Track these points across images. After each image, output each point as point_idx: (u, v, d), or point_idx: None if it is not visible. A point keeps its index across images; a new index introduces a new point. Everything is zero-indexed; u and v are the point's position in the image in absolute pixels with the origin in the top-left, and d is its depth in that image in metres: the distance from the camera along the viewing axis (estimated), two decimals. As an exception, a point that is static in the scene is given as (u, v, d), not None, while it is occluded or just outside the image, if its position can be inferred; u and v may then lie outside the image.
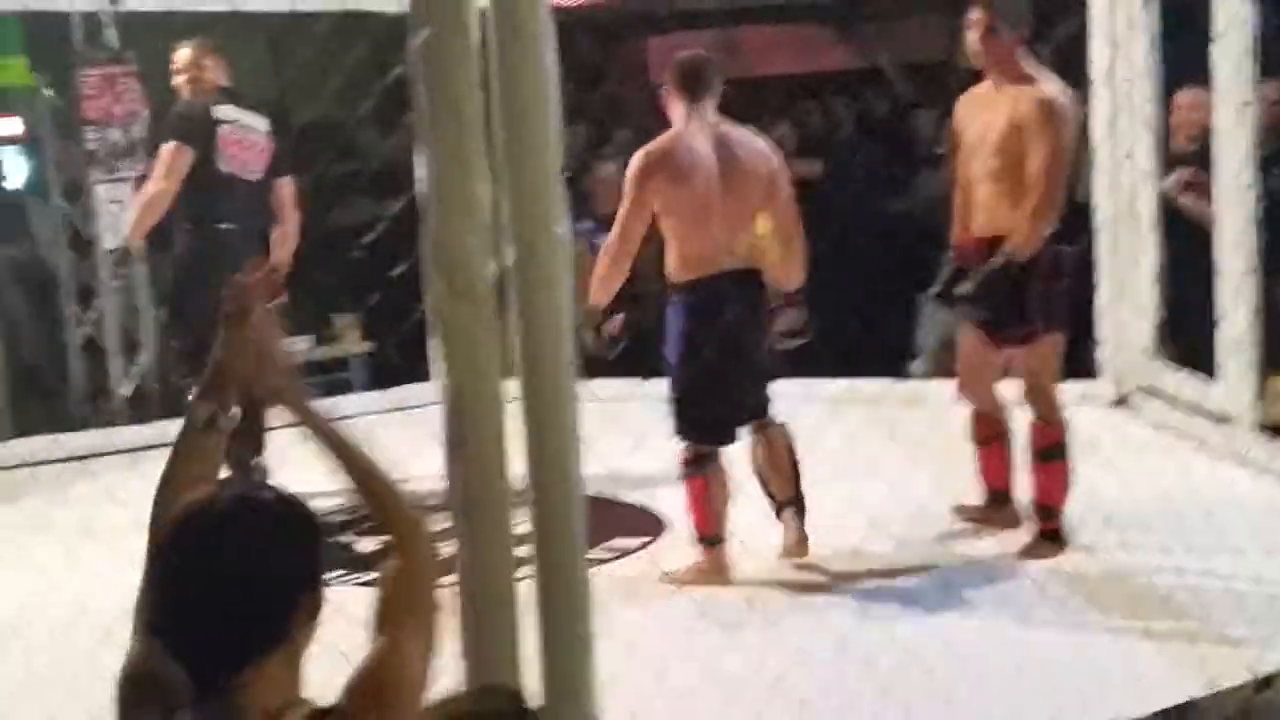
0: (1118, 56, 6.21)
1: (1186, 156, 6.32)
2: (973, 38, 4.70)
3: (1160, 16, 6.14)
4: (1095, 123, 6.37)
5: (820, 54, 10.82)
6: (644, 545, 5.15)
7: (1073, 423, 4.84)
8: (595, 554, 5.05)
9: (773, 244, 4.69)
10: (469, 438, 2.53)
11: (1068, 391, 6.45)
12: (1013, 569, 4.59)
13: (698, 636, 3.90)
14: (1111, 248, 6.35)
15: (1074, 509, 4.73)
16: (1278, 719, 3.67)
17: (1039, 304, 4.65)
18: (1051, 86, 4.66)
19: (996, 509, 5.02)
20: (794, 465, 4.78)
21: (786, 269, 4.75)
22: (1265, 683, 3.70)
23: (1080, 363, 6.97)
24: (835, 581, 4.60)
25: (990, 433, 5.03)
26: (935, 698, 3.58)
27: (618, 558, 5.03)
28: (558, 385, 2.59)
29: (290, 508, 1.95)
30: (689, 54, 4.80)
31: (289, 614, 1.88)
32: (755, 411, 4.76)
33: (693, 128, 4.64)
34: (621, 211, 4.62)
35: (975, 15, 4.68)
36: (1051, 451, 4.78)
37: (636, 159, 4.63)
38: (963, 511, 5.08)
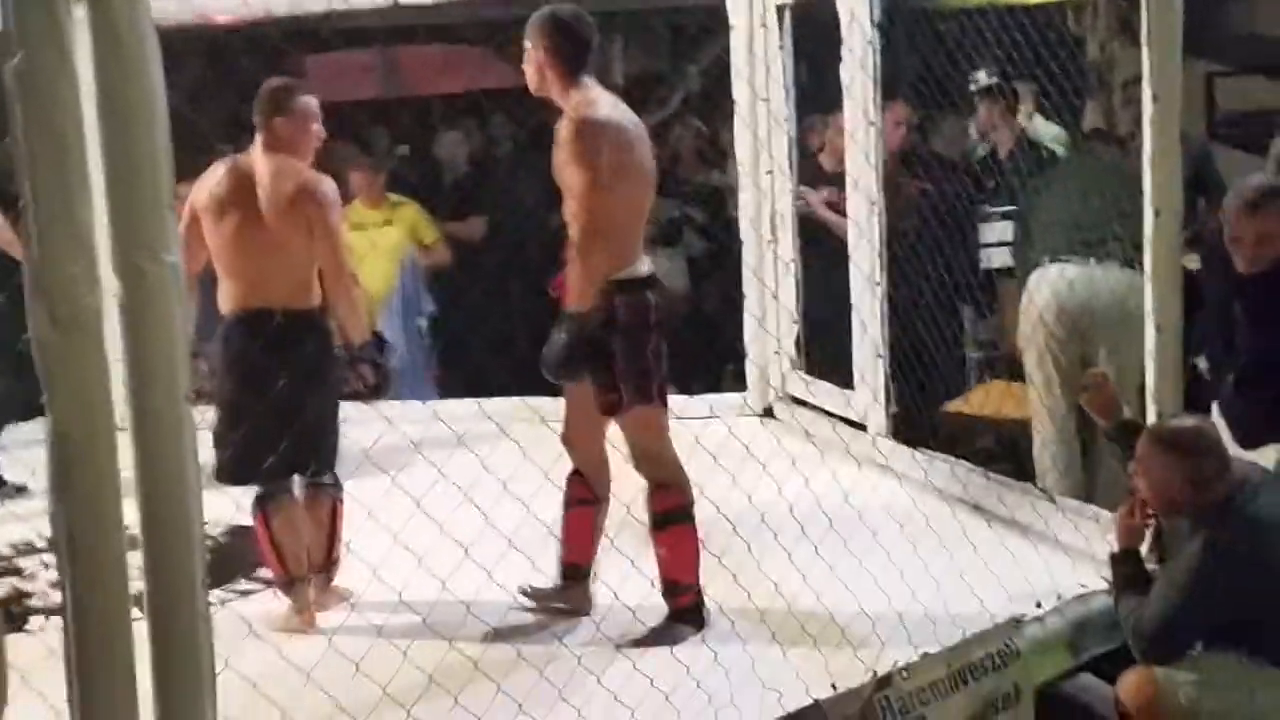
0: (758, 82, 6.40)
1: (832, 177, 6.56)
2: (528, 70, 4.29)
3: (810, 44, 6.38)
4: (739, 145, 6.58)
5: (481, 73, 10.84)
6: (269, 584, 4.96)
7: (729, 431, 4.81)
8: (240, 587, 4.94)
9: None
10: (77, 478, 2.41)
11: (723, 403, 6.67)
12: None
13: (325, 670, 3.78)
14: (756, 265, 6.54)
15: (709, 514, 4.60)
16: (893, 716, 3.82)
17: (625, 368, 4.19)
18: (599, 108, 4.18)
19: (571, 586, 4.53)
20: (332, 534, 4.60)
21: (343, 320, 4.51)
22: (883, 681, 3.83)
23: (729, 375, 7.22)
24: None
25: (580, 495, 4.52)
26: None
27: (264, 589, 4.87)
28: (172, 418, 2.49)
29: None
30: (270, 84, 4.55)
31: None
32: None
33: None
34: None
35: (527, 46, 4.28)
36: (670, 516, 4.31)
37: None
38: (532, 594, 4.55)
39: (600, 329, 4.14)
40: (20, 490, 5.99)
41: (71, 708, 2.42)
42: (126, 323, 2.46)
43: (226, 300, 4.48)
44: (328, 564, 4.63)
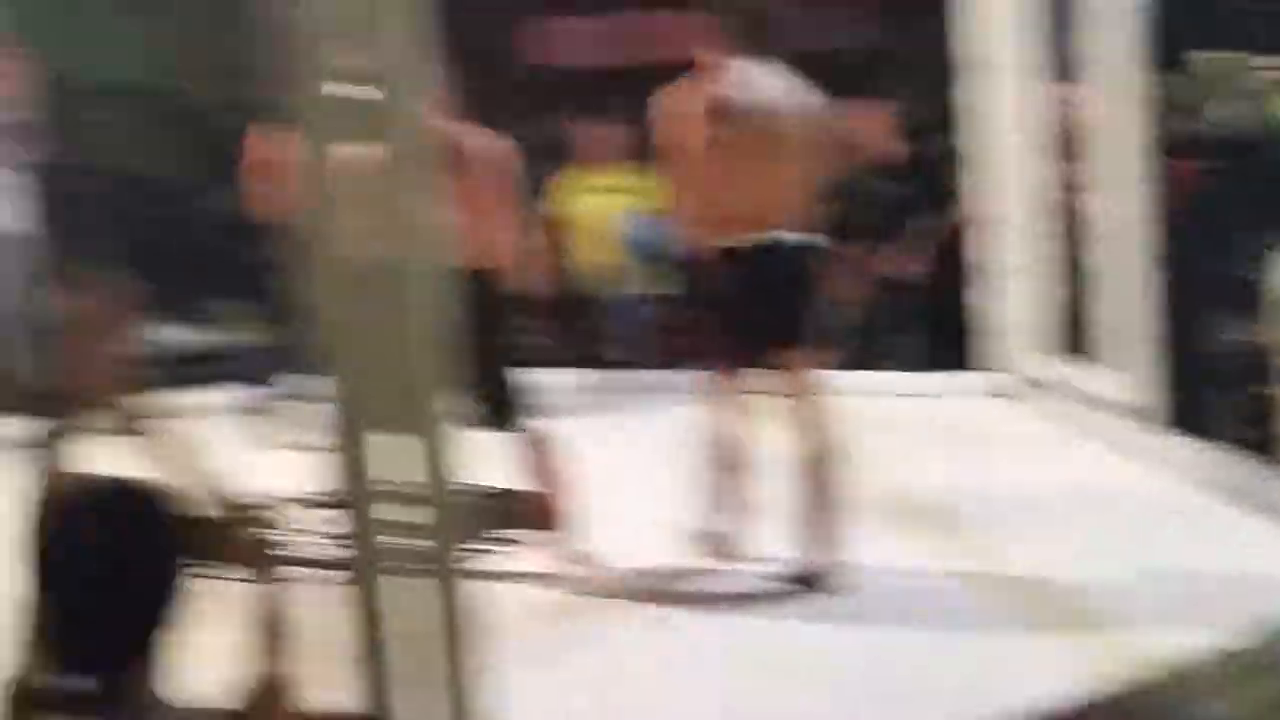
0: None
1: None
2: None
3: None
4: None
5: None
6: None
7: (970, 411, 4.74)
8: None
9: None
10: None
11: (963, 382, 6.50)
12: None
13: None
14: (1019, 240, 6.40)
15: (969, 494, 4.62)
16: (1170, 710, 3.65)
17: None
18: None
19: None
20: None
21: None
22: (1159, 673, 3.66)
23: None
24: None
25: None
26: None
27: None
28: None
29: (160, 496, 1.88)
30: None
31: (158, 605, 1.82)
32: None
33: None
34: None
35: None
36: None
37: None
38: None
39: None
40: None
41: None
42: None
43: None
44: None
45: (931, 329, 7.60)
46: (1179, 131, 6.41)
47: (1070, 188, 6.35)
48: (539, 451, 4.54)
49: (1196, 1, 6.08)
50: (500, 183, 4.46)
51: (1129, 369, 5.75)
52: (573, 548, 4.53)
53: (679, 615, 4.07)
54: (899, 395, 6.30)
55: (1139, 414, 5.70)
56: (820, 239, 4.56)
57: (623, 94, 9.96)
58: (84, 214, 8.82)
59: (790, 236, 4.50)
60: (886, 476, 4.80)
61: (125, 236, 8.03)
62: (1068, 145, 6.50)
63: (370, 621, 2.44)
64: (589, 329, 7.47)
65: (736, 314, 4.46)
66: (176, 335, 7.98)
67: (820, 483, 4.39)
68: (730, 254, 4.46)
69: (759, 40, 4.49)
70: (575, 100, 9.39)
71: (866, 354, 7.21)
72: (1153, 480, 5.22)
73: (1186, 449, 5.41)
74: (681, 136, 4.46)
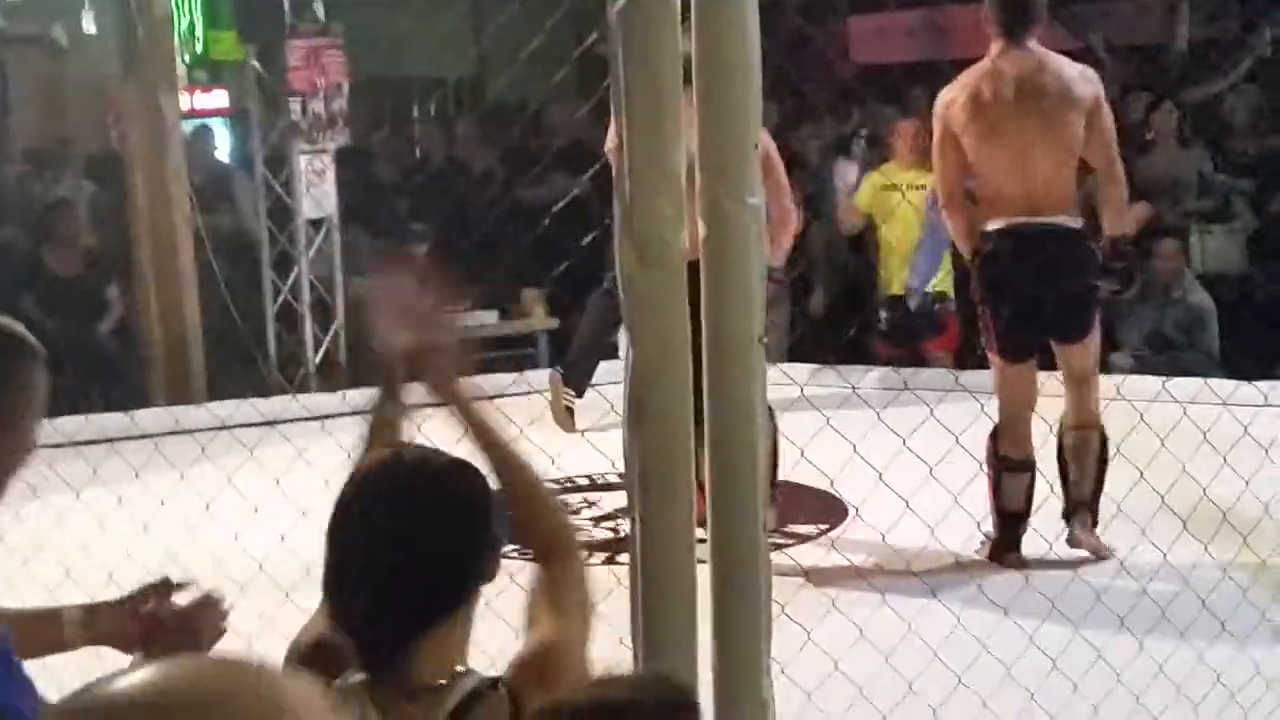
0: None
1: None
2: None
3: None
4: None
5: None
6: (823, 532, 5.07)
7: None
8: (773, 539, 5.03)
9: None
10: (654, 410, 2.49)
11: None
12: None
13: (875, 628, 3.80)
14: None
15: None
16: None
17: None
18: None
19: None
20: None
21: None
22: None
23: None
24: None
25: None
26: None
27: (797, 543, 4.96)
28: (745, 360, 2.54)
29: (465, 472, 1.89)
30: None
31: (464, 581, 1.84)
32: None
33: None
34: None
35: None
36: None
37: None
38: None
39: None
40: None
41: (635, 638, 2.50)
42: (708, 261, 2.51)
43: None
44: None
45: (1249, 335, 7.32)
46: None
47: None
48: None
49: None
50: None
51: None
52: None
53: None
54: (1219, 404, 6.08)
55: None
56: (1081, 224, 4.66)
57: (929, 89, 9.90)
58: (399, 199, 9.22)
59: (1065, 222, 4.57)
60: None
61: (439, 222, 8.35)
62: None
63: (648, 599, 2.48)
64: (890, 323, 7.43)
65: (1016, 302, 4.55)
66: (483, 319, 8.24)
67: (1083, 465, 4.63)
68: (1005, 240, 4.55)
69: (1028, 27, 4.62)
70: (882, 96, 9.35)
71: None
72: None
73: None
74: (949, 128, 4.63)
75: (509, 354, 8.05)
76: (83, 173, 9.24)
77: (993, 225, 4.61)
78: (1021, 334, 4.61)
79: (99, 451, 5.35)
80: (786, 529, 5.04)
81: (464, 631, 1.85)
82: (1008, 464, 4.69)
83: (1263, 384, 6.50)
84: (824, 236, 8.19)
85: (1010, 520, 4.71)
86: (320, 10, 8.02)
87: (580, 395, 6.67)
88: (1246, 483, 4.59)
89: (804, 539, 5.03)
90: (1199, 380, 6.00)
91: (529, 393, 6.56)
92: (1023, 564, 4.63)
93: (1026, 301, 4.53)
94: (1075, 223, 4.66)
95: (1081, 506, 4.71)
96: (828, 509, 5.25)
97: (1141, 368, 6.98)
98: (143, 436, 6.31)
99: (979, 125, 4.57)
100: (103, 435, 6.28)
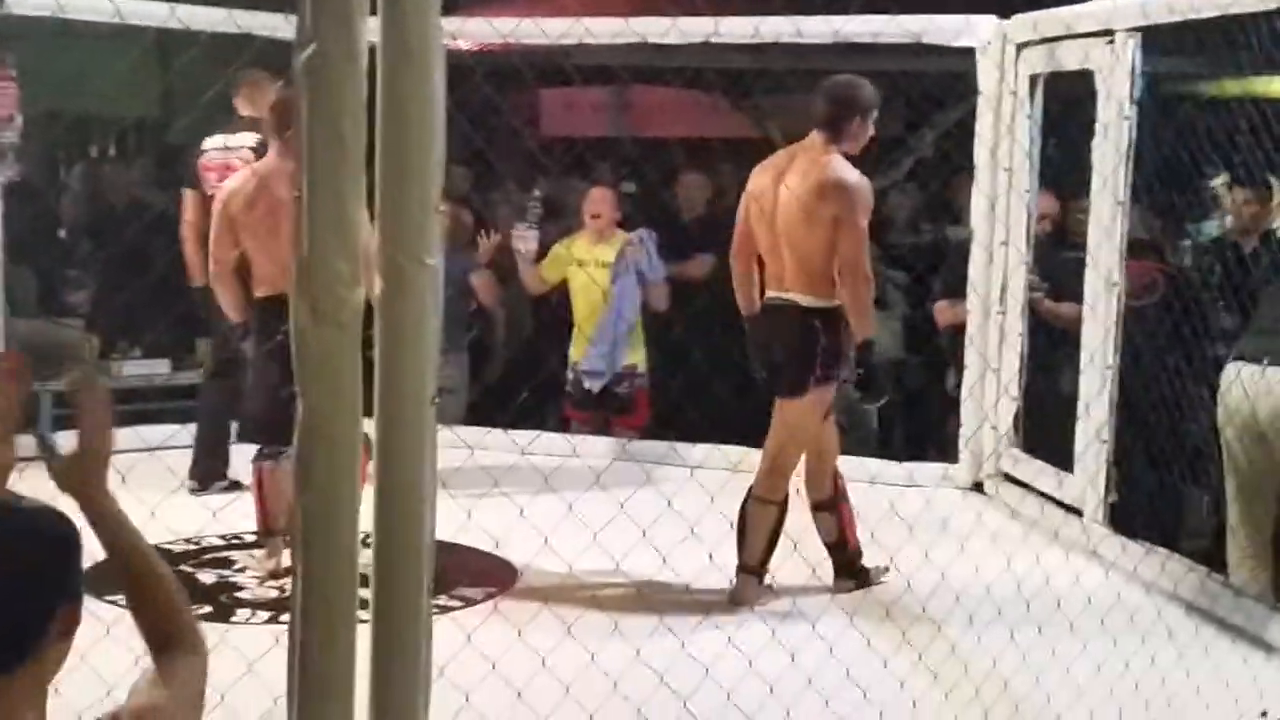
0: (999, 145, 6.31)
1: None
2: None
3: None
4: (974, 213, 6.49)
5: (711, 119, 10.89)
6: (489, 596, 5.07)
7: (931, 503, 4.89)
8: (438, 601, 5.00)
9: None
10: (321, 470, 2.46)
11: (926, 472, 6.57)
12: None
13: (533, 693, 3.81)
14: (978, 336, 6.43)
15: (925, 587, 4.75)
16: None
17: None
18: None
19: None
20: None
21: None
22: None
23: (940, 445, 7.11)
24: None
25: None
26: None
27: (462, 607, 4.94)
28: (417, 421, 2.53)
29: (46, 518, 1.79)
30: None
31: (39, 630, 1.73)
32: None
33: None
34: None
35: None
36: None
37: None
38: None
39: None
40: (235, 486, 6.14)
41: (290, 696, 2.44)
42: (383, 321, 2.50)
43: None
44: None
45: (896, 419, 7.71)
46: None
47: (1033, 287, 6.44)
48: None
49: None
50: None
51: (1085, 467, 5.81)
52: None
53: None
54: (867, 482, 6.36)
55: (1092, 513, 5.75)
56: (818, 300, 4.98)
57: (613, 160, 10.11)
58: (73, 238, 8.82)
59: (796, 298, 4.98)
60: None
61: (113, 263, 8.03)
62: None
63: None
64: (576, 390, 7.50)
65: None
66: (155, 368, 7.98)
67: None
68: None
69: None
70: (573, 166, 9.52)
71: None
72: (1097, 579, 5.28)
73: (1135, 549, 5.47)
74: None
75: (181, 405, 7.78)
76: None
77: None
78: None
79: None
80: (453, 592, 5.02)
81: (41, 685, 1.74)
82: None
83: (910, 465, 6.84)
84: (508, 299, 8.22)
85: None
86: (-8, 41, 7.68)
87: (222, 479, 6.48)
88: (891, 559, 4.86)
89: (470, 602, 5.01)
90: (854, 460, 6.26)
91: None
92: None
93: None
94: (807, 300, 4.99)
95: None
96: (492, 571, 5.27)
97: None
98: None
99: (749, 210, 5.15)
100: None
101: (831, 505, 5.22)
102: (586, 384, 7.27)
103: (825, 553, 5.22)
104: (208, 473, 6.41)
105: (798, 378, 4.97)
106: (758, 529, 5.05)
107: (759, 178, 5.13)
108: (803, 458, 5.18)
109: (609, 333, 7.23)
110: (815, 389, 4.97)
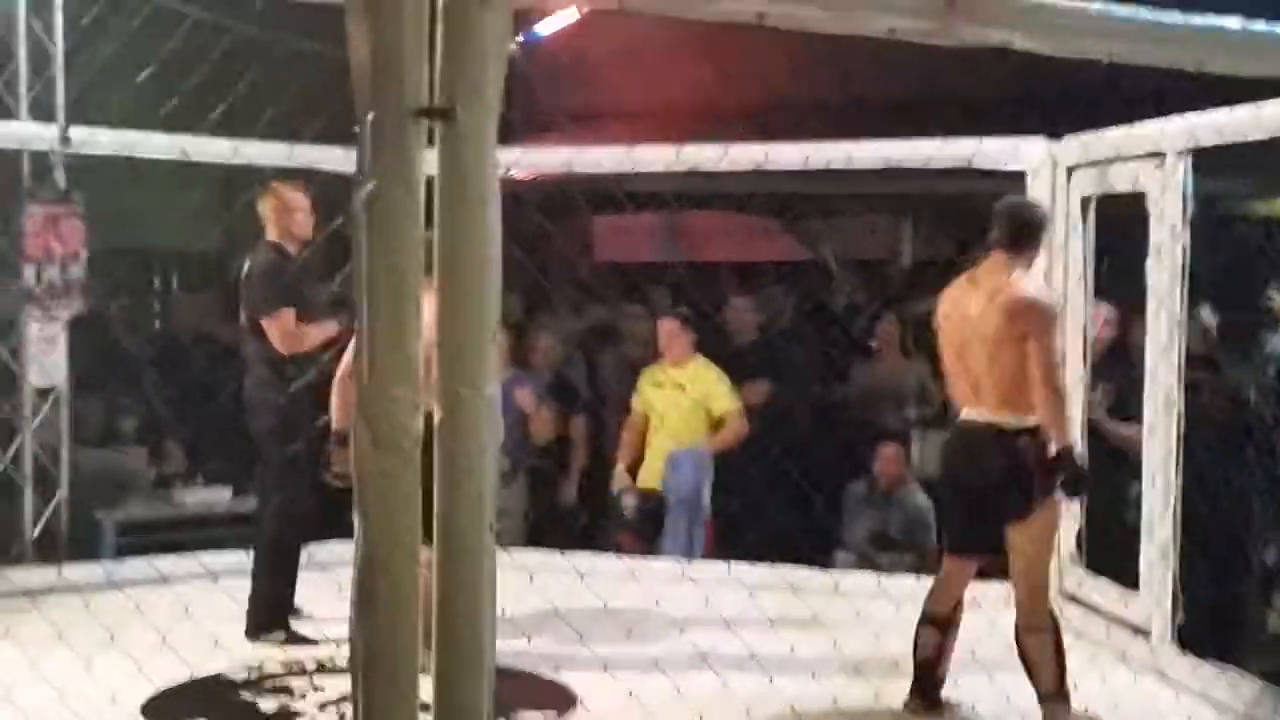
0: (1054, 262, 6.31)
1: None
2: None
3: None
4: None
5: (763, 243, 10.98)
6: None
7: (995, 626, 4.83)
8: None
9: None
10: (382, 596, 2.46)
11: (991, 594, 6.50)
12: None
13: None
14: None
15: (989, 711, 4.68)
16: None
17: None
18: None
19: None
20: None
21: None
22: None
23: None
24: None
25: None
26: None
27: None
28: (475, 548, 2.53)
29: None
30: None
31: None
32: None
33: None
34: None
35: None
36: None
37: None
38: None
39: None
40: (295, 612, 6.12)
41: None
42: (442, 448, 2.52)
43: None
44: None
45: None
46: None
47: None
48: None
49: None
50: None
51: (1151, 587, 5.72)
52: None
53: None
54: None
55: (1160, 633, 5.66)
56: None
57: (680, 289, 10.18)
58: (138, 370, 8.95)
59: (995, 419, 4.96)
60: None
61: (176, 394, 8.10)
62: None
63: None
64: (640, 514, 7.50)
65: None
66: (216, 496, 8.01)
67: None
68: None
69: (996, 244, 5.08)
70: (638, 294, 9.59)
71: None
72: (1166, 705, 5.21)
73: (1205, 670, 5.37)
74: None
75: (243, 532, 7.80)
76: None
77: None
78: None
79: None
80: (513, 717, 4.98)
81: None
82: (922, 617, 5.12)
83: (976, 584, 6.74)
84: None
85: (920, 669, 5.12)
86: (61, 179, 7.86)
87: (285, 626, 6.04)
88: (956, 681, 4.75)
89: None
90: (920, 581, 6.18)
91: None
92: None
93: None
94: (1010, 421, 4.93)
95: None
96: (551, 696, 5.23)
97: (862, 564, 7.20)
98: None
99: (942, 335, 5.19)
100: None
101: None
102: (661, 499, 7.27)
103: None
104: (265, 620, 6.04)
105: (1021, 499, 4.91)
106: (1041, 659, 4.96)
107: (946, 302, 5.17)
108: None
109: (689, 457, 7.25)
110: (1040, 505, 4.93)
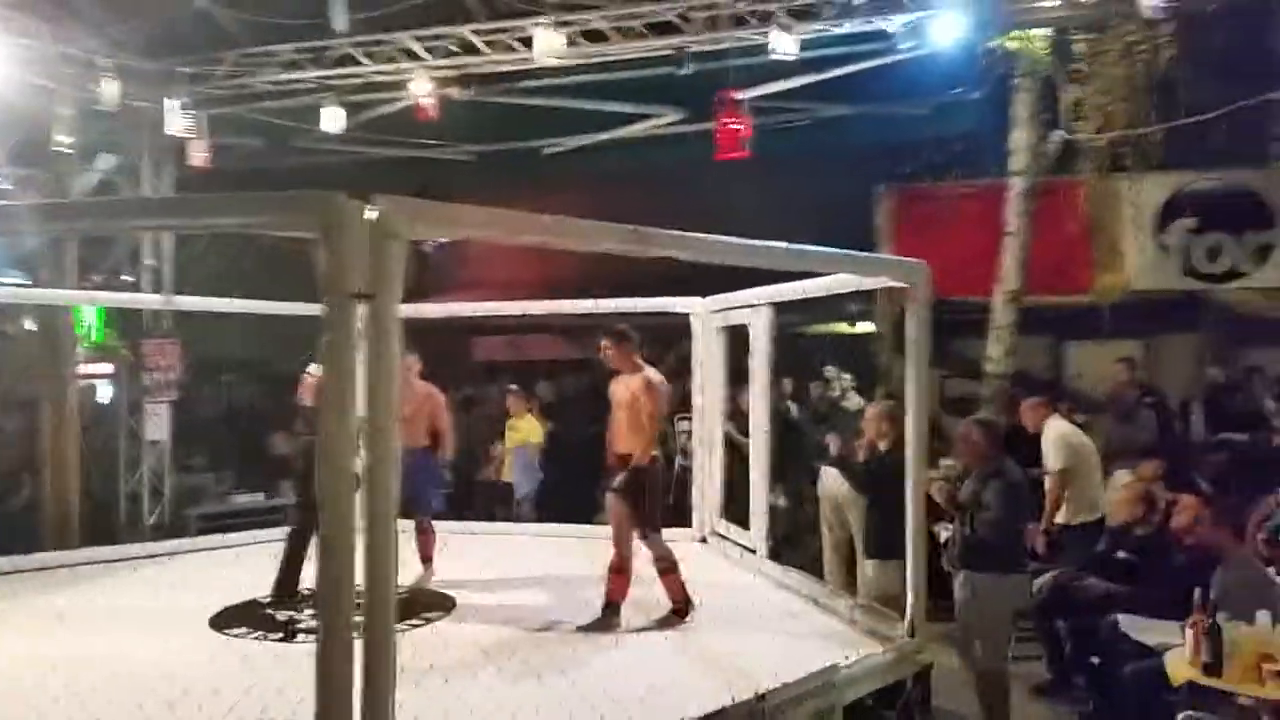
0: (708, 367, 6.29)
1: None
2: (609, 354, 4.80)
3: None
4: (696, 398, 6.38)
5: (559, 348, 10.98)
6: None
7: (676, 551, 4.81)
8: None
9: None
10: (333, 549, 2.60)
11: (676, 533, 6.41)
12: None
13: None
14: (704, 457, 6.44)
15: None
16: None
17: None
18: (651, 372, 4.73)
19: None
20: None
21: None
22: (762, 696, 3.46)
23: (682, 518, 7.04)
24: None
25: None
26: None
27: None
28: (385, 529, 2.68)
29: None
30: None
31: None
32: None
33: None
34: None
35: (604, 343, 4.79)
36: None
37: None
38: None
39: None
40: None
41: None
42: (367, 479, 2.67)
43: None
44: None
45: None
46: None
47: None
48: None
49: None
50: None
51: (756, 525, 5.75)
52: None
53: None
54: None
55: (761, 551, 5.69)
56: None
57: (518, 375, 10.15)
58: (214, 432, 8.69)
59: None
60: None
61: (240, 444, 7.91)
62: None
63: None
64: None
65: None
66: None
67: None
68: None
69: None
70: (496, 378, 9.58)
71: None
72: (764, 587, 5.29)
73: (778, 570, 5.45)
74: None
75: (271, 519, 7.43)
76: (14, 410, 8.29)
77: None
78: None
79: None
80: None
81: None
82: None
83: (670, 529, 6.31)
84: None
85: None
86: (169, 321, 7.82)
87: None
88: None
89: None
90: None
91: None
92: None
93: None
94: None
95: None
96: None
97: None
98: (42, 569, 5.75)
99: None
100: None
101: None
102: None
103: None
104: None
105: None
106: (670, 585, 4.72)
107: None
108: None
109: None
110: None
